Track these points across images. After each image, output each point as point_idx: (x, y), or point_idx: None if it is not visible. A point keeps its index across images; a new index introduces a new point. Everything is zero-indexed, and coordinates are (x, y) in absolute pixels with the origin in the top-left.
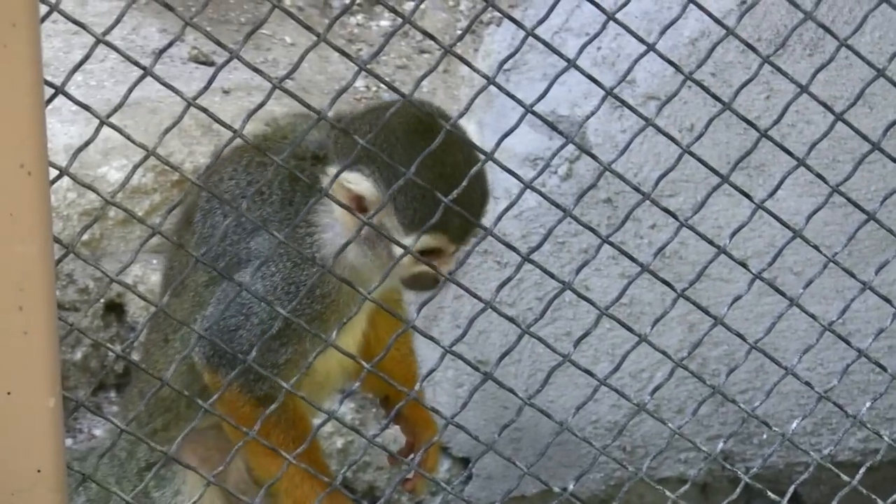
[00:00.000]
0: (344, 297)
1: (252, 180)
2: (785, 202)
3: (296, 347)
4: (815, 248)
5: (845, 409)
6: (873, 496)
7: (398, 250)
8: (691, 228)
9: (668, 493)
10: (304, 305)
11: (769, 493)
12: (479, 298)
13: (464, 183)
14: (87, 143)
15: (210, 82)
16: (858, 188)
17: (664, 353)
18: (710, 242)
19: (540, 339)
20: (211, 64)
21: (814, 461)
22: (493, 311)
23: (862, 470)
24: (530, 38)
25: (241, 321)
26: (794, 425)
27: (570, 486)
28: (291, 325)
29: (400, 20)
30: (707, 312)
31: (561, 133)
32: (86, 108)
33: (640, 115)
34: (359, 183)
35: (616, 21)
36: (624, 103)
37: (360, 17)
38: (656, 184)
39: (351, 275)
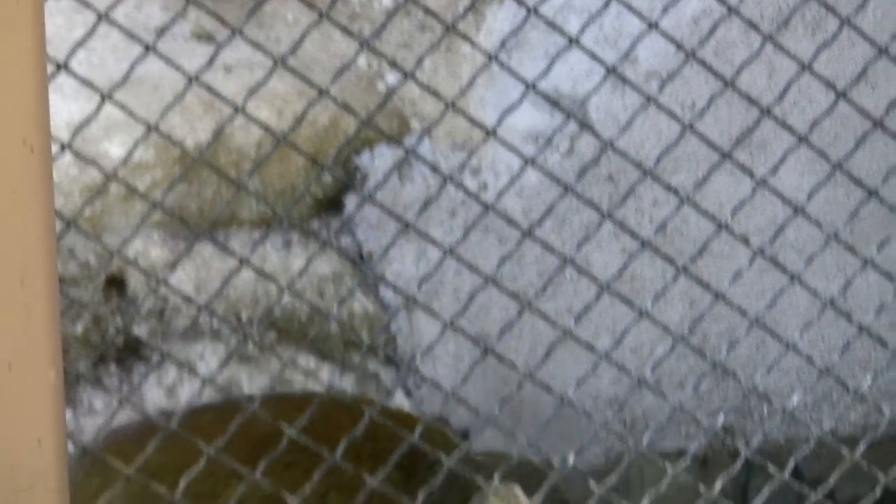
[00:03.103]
0: None
1: None
2: (787, 179)
3: None
4: (817, 224)
5: (846, 384)
6: (874, 471)
7: None
8: (692, 205)
9: (668, 466)
10: None
11: (770, 468)
12: (480, 273)
13: None
14: (89, 119)
15: (212, 59)
16: (860, 166)
17: (665, 328)
18: (712, 219)
19: (541, 314)
20: (214, 41)
21: (814, 436)
22: (494, 286)
23: (862, 445)
24: (533, 17)
25: None
26: (795, 400)
27: (571, 460)
28: None
29: None
30: (708, 288)
31: (563, 110)
32: (88, 84)
33: (642, 93)
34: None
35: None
36: (626, 81)
37: None
38: (658, 160)
39: None
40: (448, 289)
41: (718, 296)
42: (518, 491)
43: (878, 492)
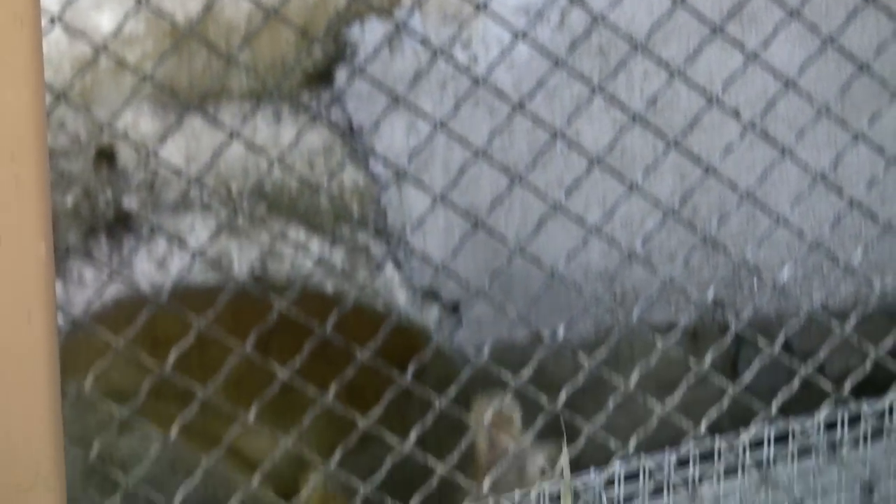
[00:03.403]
0: None
1: None
2: (778, 53)
3: None
4: (808, 98)
5: (837, 257)
6: (865, 345)
7: None
8: (683, 78)
9: (657, 340)
10: None
11: (759, 341)
12: (471, 146)
13: None
14: None
15: None
16: (851, 39)
17: (655, 201)
18: (703, 92)
19: (531, 187)
20: None
21: (805, 310)
22: (484, 159)
23: (853, 318)
24: None
25: None
26: (786, 274)
27: (560, 333)
28: None
29: None
30: (698, 161)
31: None
32: None
33: None
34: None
35: None
36: None
37: None
38: (649, 34)
39: None
40: (438, 162)
41: (709, 169)
42: (512, 404)
43: (868, 365)
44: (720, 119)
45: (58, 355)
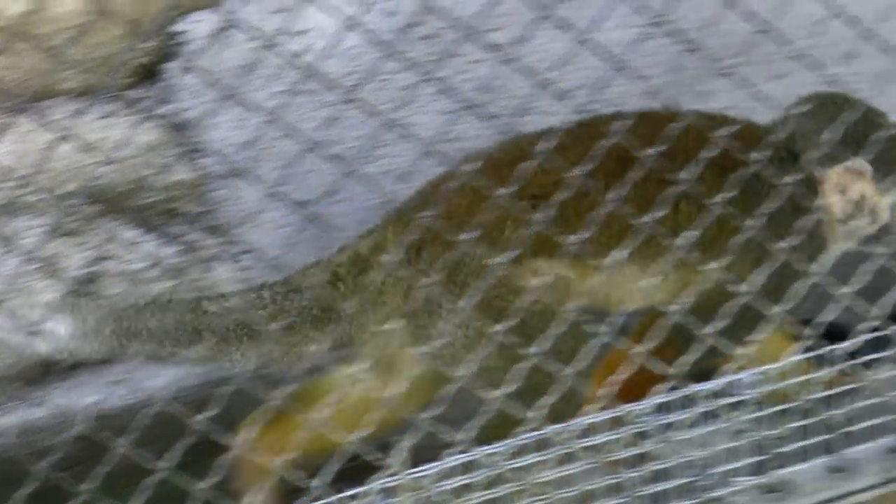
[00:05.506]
0: None
1: None
2: (610, 35)
3: None
4: (639, 78)
5: None
6: None
7: None
8: (513, 62)
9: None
10: None
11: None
12: (302, 138)
13: None
14: None
15: None
16: (681, 18)
17: None
18: (531, 74)
19: (363, 180)
20: None
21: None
22: (315, 152)
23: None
24: None
25: None
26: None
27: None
28: None
29: None
30: None
31: None
32: None
33: None
34: None
35: None
36: None
37: None
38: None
39: None
40: (270, 155)
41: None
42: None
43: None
44: (547, 103)
45: None
